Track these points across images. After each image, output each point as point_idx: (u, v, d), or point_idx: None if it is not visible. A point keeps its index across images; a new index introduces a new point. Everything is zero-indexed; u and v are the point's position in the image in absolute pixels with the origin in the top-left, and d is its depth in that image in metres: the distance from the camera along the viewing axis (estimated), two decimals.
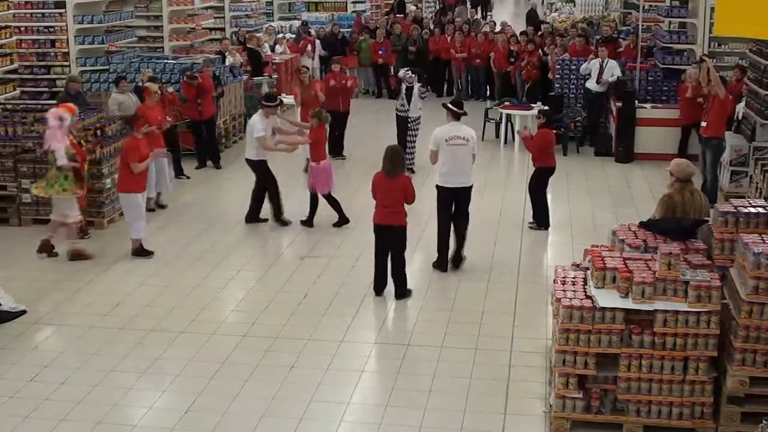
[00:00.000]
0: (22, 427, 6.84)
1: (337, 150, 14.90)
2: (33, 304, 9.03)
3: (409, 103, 13.76)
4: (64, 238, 10.41)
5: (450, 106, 10.01)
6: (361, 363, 7.83)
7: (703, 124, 12.22)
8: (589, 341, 6.57)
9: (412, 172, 13.75)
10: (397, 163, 9.09)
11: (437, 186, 9.85)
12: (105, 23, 16.64)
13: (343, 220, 11.51)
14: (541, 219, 11.32)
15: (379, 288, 9.25)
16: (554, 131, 11.83)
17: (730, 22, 7.26)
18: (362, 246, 10.69)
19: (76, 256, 10.28)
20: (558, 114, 15.26)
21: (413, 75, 14.08)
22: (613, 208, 12.18)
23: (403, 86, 13.98)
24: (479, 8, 35.84)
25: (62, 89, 14.63)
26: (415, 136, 13.90)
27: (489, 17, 34.27)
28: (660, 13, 17.25)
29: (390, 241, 9.12)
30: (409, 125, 13.84)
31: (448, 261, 9.95)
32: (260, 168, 11.56)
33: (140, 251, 10.38)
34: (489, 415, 6.94)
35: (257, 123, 11.49)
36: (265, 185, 11.60)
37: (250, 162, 11.62)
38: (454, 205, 9.84)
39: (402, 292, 9.21)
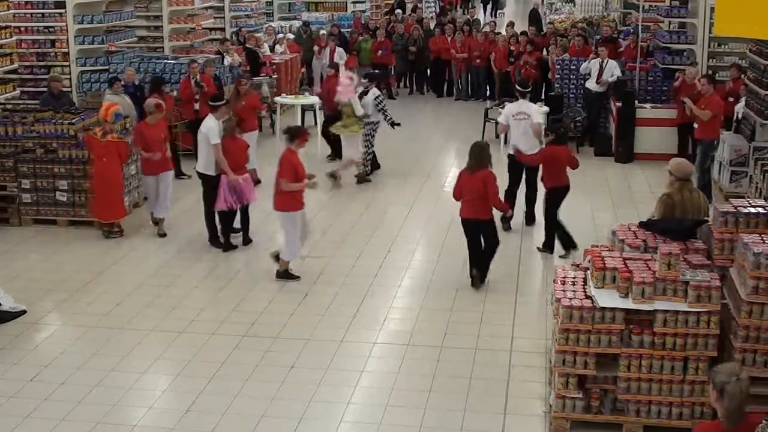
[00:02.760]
0: (22, 427, 6.84)
1: (333, 153, 14.81)
2: (33, 304, 9.03)
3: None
4: (341, 170, 13.20)
5: (517, 87, 11.86)
6: (361, 363, 7.83)
7: (696, 125, 12.35)
8: (589, 341, 6.57)
9: (368, 181, 13.56)
10: (477, 158, 9.30)
11: (508, 155, 11.34)
12: (105, 23, 16.61)
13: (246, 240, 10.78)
14: (548, 244, 10.46)
15: (473, 276, 9.46)
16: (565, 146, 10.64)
17: (730, 22, 7.25)
18: (362, 246, 10.69)
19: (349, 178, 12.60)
20: (558, 114, 15.28)
21: (365, 80, 13.77)
22: (613, 208, 12.18)
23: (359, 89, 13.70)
24: (489, 6, 35.97)
25: (65, 89, 14.67)
26: (369, 138, 13.56)
27: (499, 15, 34.37)
28: (660, 13, 17.24)
29: (477, 233, 9.37)
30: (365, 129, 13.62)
31: (511, 219, 11.08)
32: (214, 184, 10.41)
33: (285, 274, 9.68)
34: (489, 415, 6.94)
35: (214, 127, 10.49)
36: (207, 202, 10.64)
37: (204, 177, 10.63)
38: (524, 173, 11.26)
39: (482, 279, 9.45)
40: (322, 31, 20.89)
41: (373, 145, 13.71)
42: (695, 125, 12.34)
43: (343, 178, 13.27)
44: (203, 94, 13.71)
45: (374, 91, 13.63)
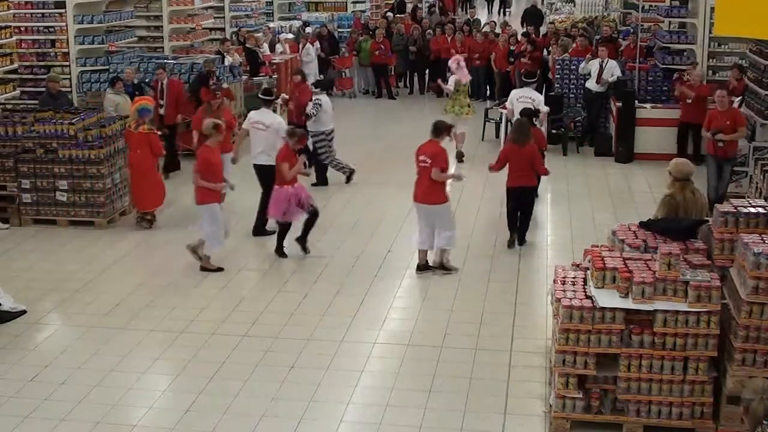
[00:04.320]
0: (22, 427, 6.84)
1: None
2: (33, 304, 9.03)
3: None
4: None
5: (522, 78, 13.88)
6: (361, 363, 7.83)
7: (721, 144, 11.70)
8: (589, 341, 6.57)
9: (349, 179, 13.29)
10: (523, 133, 10.45)
11: None
12: (105, 23, 16.61)
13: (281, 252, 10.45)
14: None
15: (511, 241, 10.60)
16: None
17: (730, 22, 7.26)
18: (362, 246, 10.69)
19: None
20: (558, 114, 15.28)
21: (316, 89, 13.24)
22: (613, 208, 12.17)
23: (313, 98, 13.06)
24: (495, 5, 36.15)
25: (65, 89, 14.68)
26: (322, 149, 13.03)
27: (508, 14, 34.47)
28: (660, 13, 17.23)
29: (521, 199, 10.55)
30: (312, 140, 12.88)
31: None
32: (272, 174, 10.50)
33: (445, 266, 9.87)
34: (489, 415, 6.94)
35: (283, 120, 11.02)
36: (266, 193, 10.80)
37: (262, 168, 10.90)
38: None
39: (523, 238, 10.65)
40: (308, 29, 20.96)
41: (332, 151, 13.29)
42: (721, 144, 11.68)
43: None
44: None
45: (318, 97, 12.97)
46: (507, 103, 13.23)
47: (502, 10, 35.70)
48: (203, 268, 9.92)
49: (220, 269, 9.94)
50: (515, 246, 10.54)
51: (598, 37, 19.23)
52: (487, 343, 8.14)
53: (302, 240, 10.39)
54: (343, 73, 21.00)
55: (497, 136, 16.20)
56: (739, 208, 6.86)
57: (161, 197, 11.61)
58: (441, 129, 9.78)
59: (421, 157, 9.66)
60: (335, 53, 20.63)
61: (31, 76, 16.39)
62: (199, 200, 9.88)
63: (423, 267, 9.86)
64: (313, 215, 10.33)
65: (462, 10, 33.98)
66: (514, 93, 13.31)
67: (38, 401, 7.18)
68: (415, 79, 21.58)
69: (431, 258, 9.94)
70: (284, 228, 10.37)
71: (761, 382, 4.57)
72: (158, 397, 7.30)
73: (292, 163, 10.14)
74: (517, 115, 12.08)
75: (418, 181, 9.76)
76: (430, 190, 9.64)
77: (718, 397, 6.60)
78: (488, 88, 20.29)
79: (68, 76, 16.02)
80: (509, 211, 10.68)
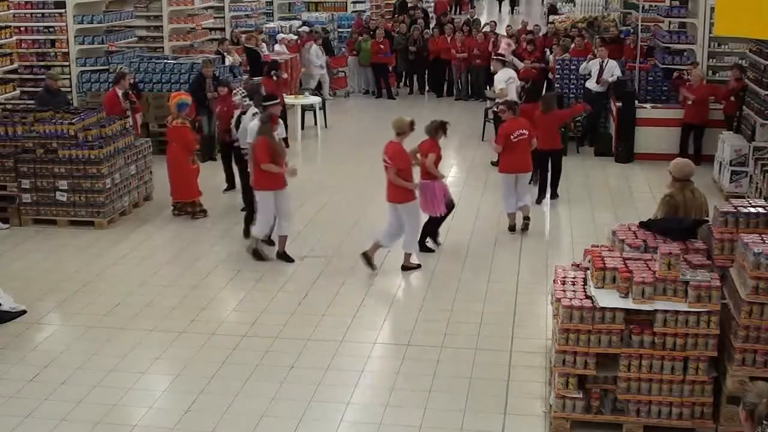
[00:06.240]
0: (22, 427, 6.84)
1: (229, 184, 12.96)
2: (33, 304, 9.03)
3: (237, 130, 11.53)
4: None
5: (495, 56, 15.60)
6: (361, 363, 7.83)
7: None
8: (589, 341, 6.57)
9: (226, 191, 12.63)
10: (549, 103, 12.17)
11: None
12: (105, 23, 16.64)
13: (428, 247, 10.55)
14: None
15: (538, 200, 12.18)
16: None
17: (730, 22, 7.27)
18: (362, 246, 10.66)
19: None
20: None
21: (247, 100, 12.12)
22: (613, 208, 12.18)
23: (236, 113, 11.88)
24: (509, 3, 36.34)
25: (64, 89, 14.68)
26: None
27: (516, 12, 34.58)
28: (660, 13, 17.24)
29: (550, 161, 12.21)
30: (242, 156, 11.27)
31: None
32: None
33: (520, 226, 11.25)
34: (489, 415, 6.94)
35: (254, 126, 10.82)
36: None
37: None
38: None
39: (555, 193, 12.47)
40: (304, 27, 20.99)
41: None
42: None
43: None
44: (134, 109, 13.47)
45: (253, 110, 11.31)
46: (501, 85, 14.25)
47: (511, 8, 35.84)
48: (405, 268, 10.00)
49: (418, 266, 10.08)
50: (542, 202, 12.11)
51: (598, 37, 19.21)
52: (487, 343, 8.14)
53: (434, 235, 10.70)
54: (343, 72, 21.02)
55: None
56: (739, 208, 6.87)
57: (195, 190, 11.87)
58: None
59: (521, 131, 10.92)
60: (327, 53, 20.66)
61: (31, 76, 16.41)
62: (393, 198, 9.83)
63: (514, 227, 11.20)
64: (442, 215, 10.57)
65: (471, 7, 33.94)
66: (501, 76, 14.46)
67: (38, 401, 7.18)
68: (415, 78, 21.57)
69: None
70: (438, 222, 10.59)
71: (765, 385, 4.56)
72: (158, 397, 7.30)
73: (440, 156, 10.43)
74: (511, 94, 13.79)
75: (522, 153, 10.96)
76: (529, 159, 11.15)
77: (718, 397, 6.60)
78: (488, 88, 20.26)
79: (68, 76, 16.04)
80: (540, 171, 12.26)
